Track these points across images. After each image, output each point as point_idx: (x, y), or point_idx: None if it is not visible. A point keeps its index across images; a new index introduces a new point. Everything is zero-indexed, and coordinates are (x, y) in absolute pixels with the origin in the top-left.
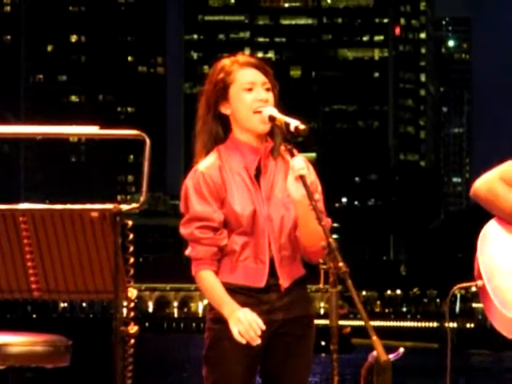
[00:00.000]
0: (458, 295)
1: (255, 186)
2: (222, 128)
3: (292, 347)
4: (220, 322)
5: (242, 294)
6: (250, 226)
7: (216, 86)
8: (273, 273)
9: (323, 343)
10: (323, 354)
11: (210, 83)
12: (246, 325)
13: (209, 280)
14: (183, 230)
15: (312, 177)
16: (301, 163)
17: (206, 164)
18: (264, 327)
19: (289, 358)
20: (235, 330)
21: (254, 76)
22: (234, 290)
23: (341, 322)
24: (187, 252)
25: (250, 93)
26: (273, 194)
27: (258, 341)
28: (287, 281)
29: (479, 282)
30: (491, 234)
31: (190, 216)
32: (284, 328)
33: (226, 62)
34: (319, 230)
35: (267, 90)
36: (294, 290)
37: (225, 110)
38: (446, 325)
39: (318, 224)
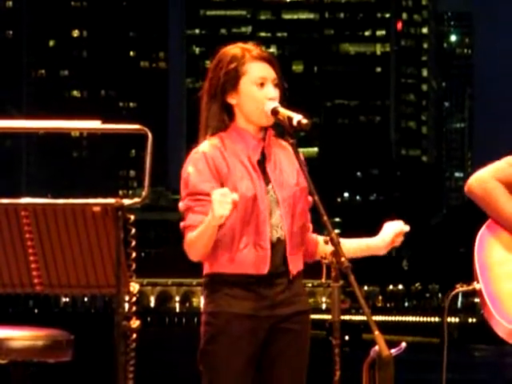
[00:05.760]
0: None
1: (257, 173)
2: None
3: (291, 343)
4: (218, 316)
5: (239, 287)
6: (249, 211)
7: (226, 75)
8: (279, 259)
9: (347, 337)
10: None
11: (219, 70)
12: (217, 201)
13: (195, 232)
14: (180, 204)
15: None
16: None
17: (206, 145)
18: (237, 197)
19: (288, 354)
20: (218, 213)
21: (266, 71)
22: (233, 283)
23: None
24: (181, 224)
25: (261, 88)
26: (283, 181)
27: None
28: (295, 268)
29: (477, 286)
30: (487, 239)
31: (188, 191)
32: (285, 323)
33: (236, 50)
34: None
35: (276, 85)
36: (296, 282)
37: (231, 99)
38: (445, 321)
39: (321, 217)
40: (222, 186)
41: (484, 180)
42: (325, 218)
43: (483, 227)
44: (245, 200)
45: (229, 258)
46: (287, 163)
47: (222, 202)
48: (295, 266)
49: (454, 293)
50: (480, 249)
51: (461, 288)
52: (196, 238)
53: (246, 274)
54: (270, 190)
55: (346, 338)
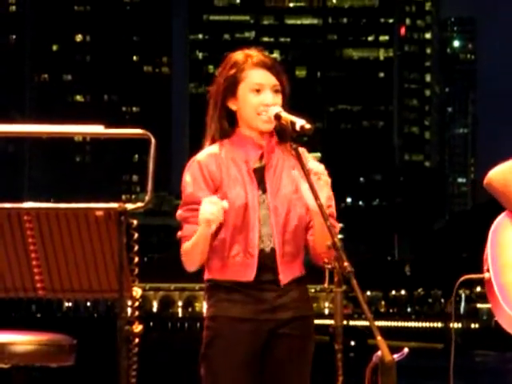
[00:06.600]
0: (463, 295)
1: (252, 180)
2: (229, 122)
3: (293, 349)
4: (218, 319)
5: (237, 292)
6: (240, 219)
7: (226, 81)
8: (272, 268)
9: (352, 343)
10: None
11: (221, 76)
12: (206, 211)
13: (190, 241)
14: (178, 213)
15: (325, 178)
16: (321, 168)
17: (203, 153)
18: (227, 205)
19: (290, 359)
20: (204, 216)
21: (264, 78)
22: (227, 288)
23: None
24: (178, 234)
25: (257, 95)
26: (279, 189)
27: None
28: (287, 277)
29: (487, 275)
30: (502, 229)
31: (183, 200)
32: (285, 328)
33: (239, 56)
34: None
35: (276, 92)
36: (295, 288)
37: (232, 105)
38: (451, 325)
39: (323, 223)
40: (216, 193)
41: (504, 173)
42: (328, 223)
43: (502, 215)
44: (235, 208)
45: (221, 265)
46: (288, 170)
47: (211, 206)
48: (286, 275)
49: (462, 280)
50: (493, 239)
51: (470, 276)
52: (191, 247)
53: (236, 281)
54: (265, 199)
55: (352, 343)
